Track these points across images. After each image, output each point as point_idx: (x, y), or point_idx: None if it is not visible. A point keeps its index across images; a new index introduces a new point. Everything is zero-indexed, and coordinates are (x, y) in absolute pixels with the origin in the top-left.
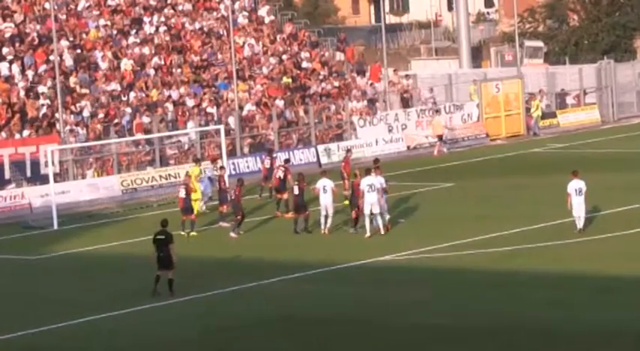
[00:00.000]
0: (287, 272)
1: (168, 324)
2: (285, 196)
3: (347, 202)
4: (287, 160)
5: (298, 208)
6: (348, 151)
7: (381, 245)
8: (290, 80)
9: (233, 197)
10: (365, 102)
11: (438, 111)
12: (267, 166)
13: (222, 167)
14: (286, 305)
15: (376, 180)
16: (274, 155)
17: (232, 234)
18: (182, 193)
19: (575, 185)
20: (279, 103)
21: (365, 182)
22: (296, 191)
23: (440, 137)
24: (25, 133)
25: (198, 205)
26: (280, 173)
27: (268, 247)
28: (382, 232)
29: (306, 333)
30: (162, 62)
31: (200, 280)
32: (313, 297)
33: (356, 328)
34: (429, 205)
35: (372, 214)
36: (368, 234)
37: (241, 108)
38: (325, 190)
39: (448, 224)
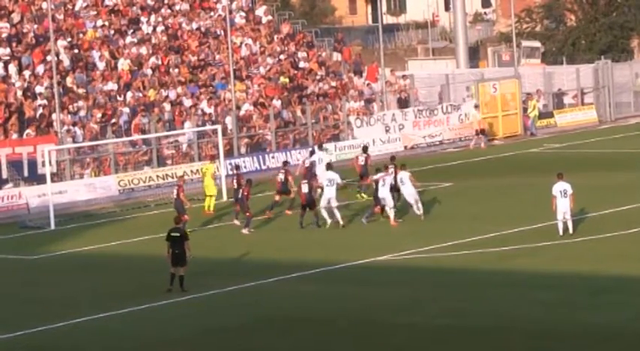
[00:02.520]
0: (286, 272)
1: (166, 323)
2: (278, 198)
3: (362, 195)
4: (286, 162)
5: (309, 204)
6: (365, 149)
7: (379, 245)
8: (287, 80)
9: (241, 197)
10: (362, 102)
11: (477, 106)
12: (307, 165)
13: (237, 166)
14: (285, 305)
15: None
16: (313, 155)
17: (244, 230)
18: (174, 194)
19: (560, 187)
20: (277, 103)
21: (326, 176)
22: (305, 189)
23: (482, 131)
24: (23, 133)
25: (212, 203)
26: (281, 176)
27: (267, 246)
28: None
29: (304, 333)
30: (160, 62)
31: (199, 279)
32: (312, 297)
33: (354, 328)
34: (428, 205)
35: (329, 205)
36: (328, 222)
37: (238, 108)
38: (384, 183)
39: (446, 224)
